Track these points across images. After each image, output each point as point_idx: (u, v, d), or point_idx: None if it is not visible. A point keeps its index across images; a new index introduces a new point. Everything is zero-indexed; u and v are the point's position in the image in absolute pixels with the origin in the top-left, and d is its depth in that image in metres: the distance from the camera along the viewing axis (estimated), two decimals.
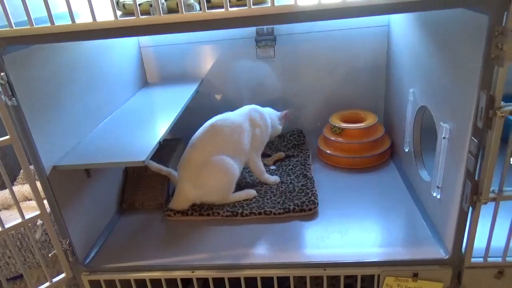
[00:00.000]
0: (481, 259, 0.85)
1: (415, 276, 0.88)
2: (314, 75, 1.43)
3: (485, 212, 0.78)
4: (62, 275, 0.93)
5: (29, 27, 0.70)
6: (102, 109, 1.11)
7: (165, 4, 0.76)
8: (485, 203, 0.77)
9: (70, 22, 0.70)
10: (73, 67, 0.98)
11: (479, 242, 0.83)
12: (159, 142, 0.95)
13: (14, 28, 0.70)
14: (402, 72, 1.18)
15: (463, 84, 0.77)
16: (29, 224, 0.99)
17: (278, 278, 0.93)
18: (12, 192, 0.83)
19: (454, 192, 0.84)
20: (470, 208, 0.80)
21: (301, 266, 0.91)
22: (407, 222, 1.01)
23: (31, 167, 0.83)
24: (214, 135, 1.11)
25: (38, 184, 0.86)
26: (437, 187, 0.92)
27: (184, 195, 1.10)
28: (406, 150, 1.15)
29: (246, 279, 0.93)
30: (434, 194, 0.94)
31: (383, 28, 1.32)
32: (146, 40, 1.40)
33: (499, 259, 0.84)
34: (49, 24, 0.70)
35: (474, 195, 0.77)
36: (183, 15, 0.70)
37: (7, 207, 1.22)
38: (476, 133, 0.73)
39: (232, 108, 1.22)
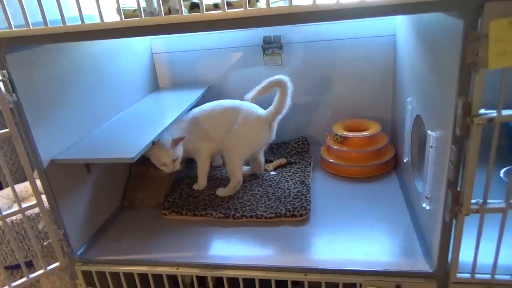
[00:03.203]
0: (468, 275, 0.82)
1: (398, 287, 0.86)
2: (321, 84, 1.43)
3: (474, 225, 0.75)
4: (56, 264, 0.98)
5: (26, 28, 0.76)
6: (107, 110, 1.17)
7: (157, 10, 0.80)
8: (467, 214, 0.74)
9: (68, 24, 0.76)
10: (78, 69, 1.05)
11: (468, 257, 0.80)
12: (152, 142, 0.99)
13: (14, 29, 0.77)
14: (403, 81, 1.16)
15: (446, 91, 0.75)
16: (30, 215, 1.06)
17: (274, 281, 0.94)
18: (12, 185, 0.89)
19: (439, 203, 0.81)
20: (454, 220, 0.77)
21: (282, 270, 0.91)
22: (399, 233, 0.98)
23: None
24: None
25: (36, 175, 0.92)
26: (426, 197, 0.90)
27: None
28: (405, 161, 1.12)
29: (230, 280, 0.94)
30: (424, 205, 0.91)
31: (390, 37, 1.31)
32: (158, 46, 1.47)
33: (488, 276, 0.81)
34: (50, 26, 0.76)
35: (455, 206, 0.75)
36: (188, 16, 0.72)
37: (22, 200, 1.31)
38: (455, 141, 0.71)
39: None
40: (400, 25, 1.21)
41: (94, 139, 1.05)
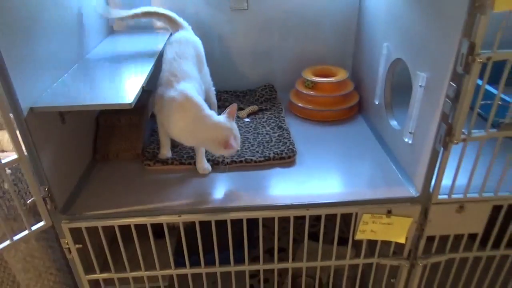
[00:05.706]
0: (446, 196, 0.95)
1: (389, 213, 0.96)
2: (286, 30, 1.44)
3: (452, 156, 0.87)
4: (41, 223, 0.89)
5: None
6: (72, 52, 1.04)
7: None
8: (456, 143, 0.85)
9: None
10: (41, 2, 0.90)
11: (446, 182, 0.92)
12: (143, 87, 0.92)
13: None
14: (375, 27, 1.23)
15: (444, 33, 0.83)
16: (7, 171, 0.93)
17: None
18: None
19: (426, 136, 0.91)
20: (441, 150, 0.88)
21: (285, 208, 0.95)
22: (379, 167, 1.09)
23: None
24: None
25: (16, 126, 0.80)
26: (410, 133, 1.00)
27: None
28: (377, 103, 1.22)
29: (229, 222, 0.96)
30: (406, 140, 1.02)
31: None
32: None
33: (461, 195, 0.95)
34: None
35: (447, 136, 0.85)
36: None
37: None
38: (454, 78, 0.80)
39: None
40: None
41: (70, 84, 0.93)
